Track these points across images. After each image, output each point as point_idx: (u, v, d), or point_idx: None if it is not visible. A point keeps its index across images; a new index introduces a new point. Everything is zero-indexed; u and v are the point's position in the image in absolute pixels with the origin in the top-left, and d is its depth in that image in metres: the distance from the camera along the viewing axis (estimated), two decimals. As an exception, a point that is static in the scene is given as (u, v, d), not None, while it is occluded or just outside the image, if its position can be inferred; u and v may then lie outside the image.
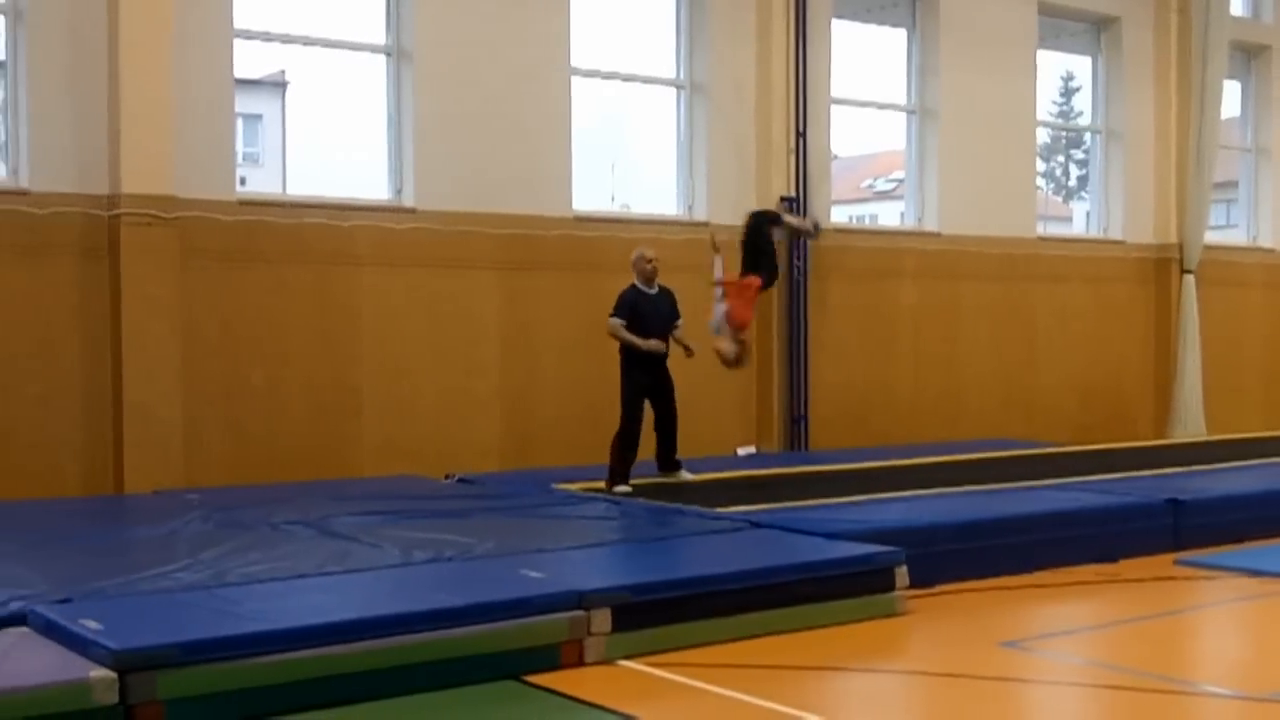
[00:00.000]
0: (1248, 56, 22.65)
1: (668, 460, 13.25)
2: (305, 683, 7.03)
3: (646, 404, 12.90)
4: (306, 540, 9.85)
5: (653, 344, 12.68)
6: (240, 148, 14.94)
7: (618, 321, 12.64)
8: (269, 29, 14.01)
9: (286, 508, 11.16)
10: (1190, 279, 20.69)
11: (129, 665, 6.52)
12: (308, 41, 14.36)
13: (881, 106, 19.07)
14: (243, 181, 14.49)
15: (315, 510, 11.05)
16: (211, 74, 13.36)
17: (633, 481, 12.63)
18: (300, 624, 7.22)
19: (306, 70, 15.93)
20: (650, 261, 12.90)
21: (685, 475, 13.23)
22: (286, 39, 14.27)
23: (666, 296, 12.97)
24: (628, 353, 12.74)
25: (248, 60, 14.18)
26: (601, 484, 12.61)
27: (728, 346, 12.76)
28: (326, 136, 15.88)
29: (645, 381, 12.78)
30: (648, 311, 12.73)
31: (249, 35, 13.80)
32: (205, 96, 13.30)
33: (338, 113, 15.69)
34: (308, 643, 7.09)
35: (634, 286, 12.84)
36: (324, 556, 9.17)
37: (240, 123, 14.62)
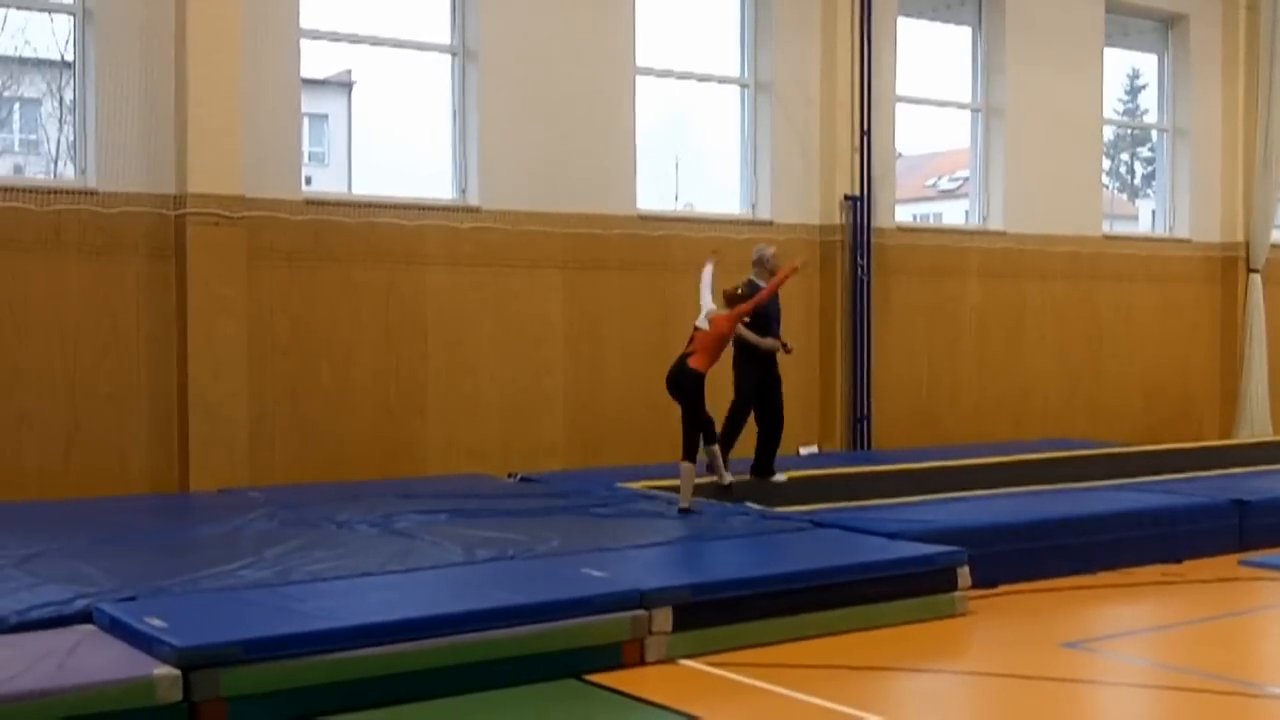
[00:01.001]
0: (1318, 54, 22.43)
1: (766, 464, 13.28)
2: (367, 681, 7.11)
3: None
4: (370, 538, 9.93)
5: (769, 342, 12.90)
6: (306, 147, 15.00)
7: (745, 320, 12.51)
8: (335, 29, 14.10)
9: (350, 506, 11.25)
10: (1257, 278, 20.52)
11: (193, 663, 6.61)
12: (374, 41, 14.45)
13: (946, 105, 19.01)
14: (308, 181, 14.58)
15: (379, 509, 11.13)
16: (278, 74, 13.46)
17: (701, 479, 12.58)
18: (363, 622, 7.30)
19: (372, 70, 16.00)
20: (777, 257, 13.03)
21: (779, 478, 13.27)
22: (353, 39, 14.36)
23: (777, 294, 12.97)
24: (744, 350, 12.86)
25: (314, 60, 14.27)
26: (664, 483, 12.60)
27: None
28: (392, 136, 15.95)
29: (760, 378, 12.97)
30: (769, 309, 12.84)
31: (316, 35, 13.90)
32: (272, 96, 13.40)
33: (403, 112, 15.76)
34: (370, 641, 7.16)
35: (753, 282, 12.84)
36: (387, 555, 9.24)
37: (306, 122, 14.70)
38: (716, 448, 12.36)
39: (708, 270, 12.21)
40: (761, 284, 12.80)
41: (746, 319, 12.33)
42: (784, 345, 13.11)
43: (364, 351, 13.87)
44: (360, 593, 8.04)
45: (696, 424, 11.58)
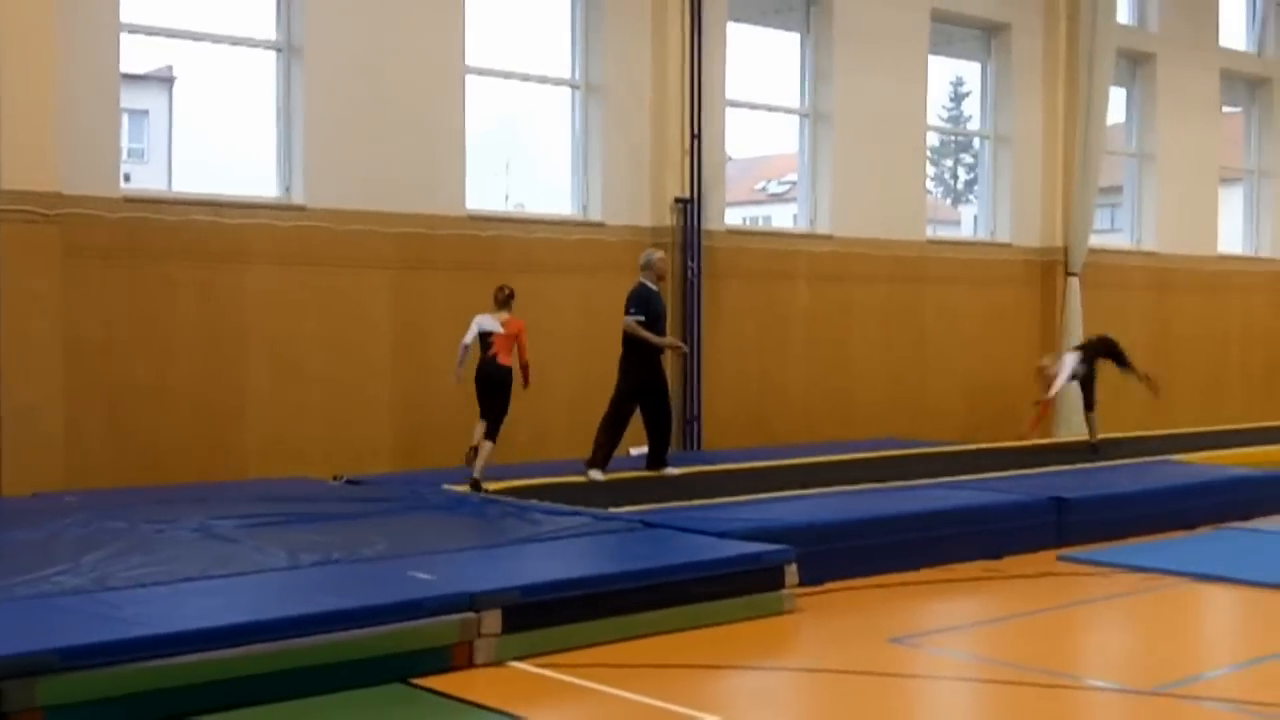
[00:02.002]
0: (1133, 64, 23.02)
1: (659, 458, 13.70)
2: (190, 688, 6.95)
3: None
4: (190, 543, 9.72)
5: (669, 340, 13.36)
6: (125, 144, 14.68)
7: (636, 318, 13.11)
8: (156, 23, 13.79)
9: (170, 510, 11.00)
10: (1075, 281, 20.97)
11: (6, 672, 6.41)
12: (196, 36, 14.15)
13: (775, 109, 19.17)
14: (127, 178, 14.27)
15: (200, 513, 10.89)
16: (97, 68, 13.13)
17: (526, 482, 12.69)
18: (184, 628, 7.12)
19: (194, 66, 15.73)
20: (665, 261, 13.57)
21: (672, 470, 13.70)
22: (174, 33, 14.06)
23: (661, 297, 13.50)
24: (635, 347, 13.18)
25: (134, 55, 13.97)
26: (493, 485, 12.56)
27: None
28: (214, 133, 15.69)
29: (648, 377, 13.29)
30: (659, 310, 13.29)
31: (136, 29, 13.59)
32: (90, 91, 13.07)
33: (226, 109, 15.51)
34: (192, 647, 7.00)
35: (644, 284, 13.30)
36: (208, 560, 9.05)
37: (126, 118, 14.40)
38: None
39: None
40: (651, 286, 13.30)
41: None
42: (679, 348, 13.81)
43: (184, 352, 13.59)
44: (181, 598, 7.88)
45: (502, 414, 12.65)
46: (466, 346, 12.64)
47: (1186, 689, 7.75)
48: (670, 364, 16.45)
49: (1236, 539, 12.80)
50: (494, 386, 12.54)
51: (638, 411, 13.68)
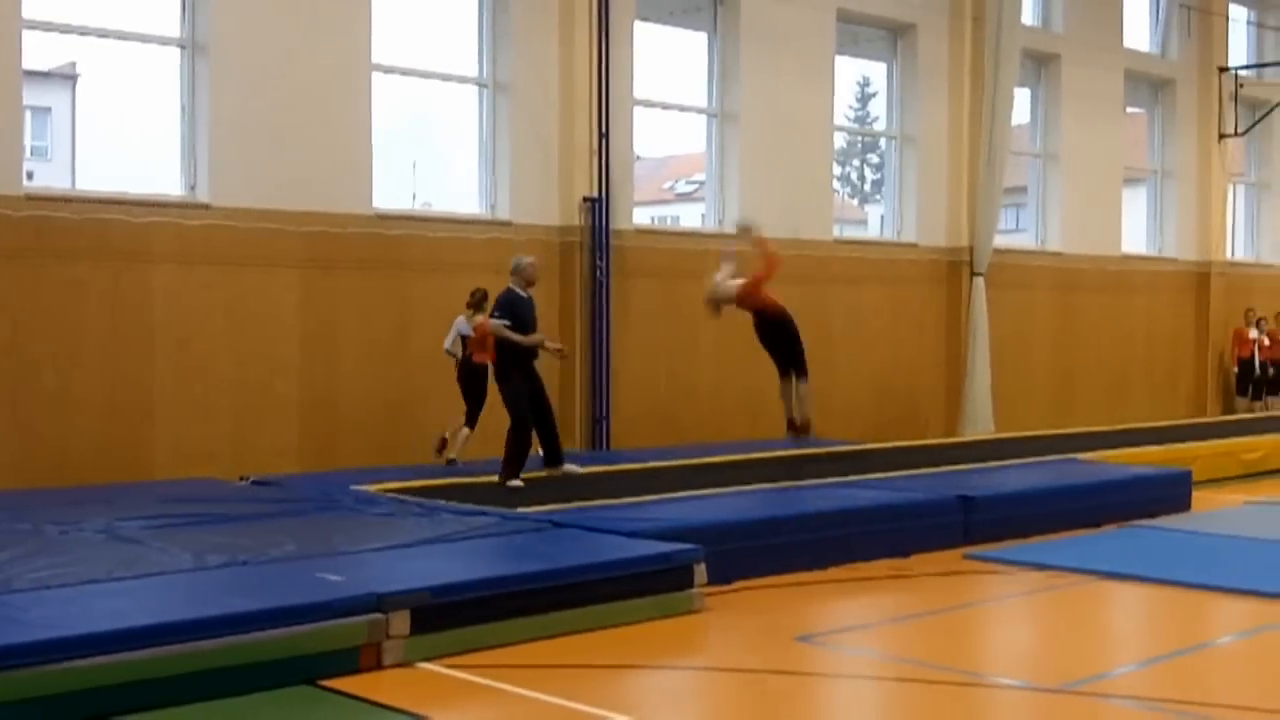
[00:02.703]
0: (1038, 64, 23.29)
1: (555, 456, 13.61)
2: (96, 691, 6.88)
3: None
4: (96, 545, 9.62)
5: (536, 337, 13.14)
6: (28, 141, 14.50)
7: (502, 322, 12.95)
8: (58, 19, 13.64)
9: (75, 512, 10.87)
10: (980, 281, 21.16)
11: (-94, 675, 6.32)
12: (99, 33, 13.99)
13: (683, 109, 19.22)
14: (30, 176, 14.09)
15: (106, 515, 10.77)
16: (-2, 65, 12.99)
17: (435, 482, 12.68)
18: (90, 631, 7.04)
19: (97, 62, 15.56)
20: (534, 267, 13.42)
21: (572, 468, 13.67)
22: (77, 30, 13.91)
23: (534, 302, 13.40)
24: (506, 356, 13.04)
25: (36, 51, 13.80)
26: (401, 485, 12.54)
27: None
28: (118, 130, 15.53)
29: (523, 381, 13.10)
30: (526, 315, 13.11)
31: (38, 26, 13.43)
32: (-9, 88, 12.93)
33: (129, 106, 15.35)
34: (98, 650, 6.93)
35: (512, 290, 13.18)
36: (114, 562, 8.95)
37: (28, 115, 14.21)
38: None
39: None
40: (520, 292, 13.18)
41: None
42: (559, 351, 13.77)
43: (89, 352, 13.44)
44: (86, 601, 7.79)
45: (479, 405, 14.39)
46: (448, 350, 14.45)
47: (1092, 686, 7.84)
48: (578, 363, 16.50)
49: (1141, 537, 12.96)
50: (472, 382, 14.27)
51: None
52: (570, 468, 13.67)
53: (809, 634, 9.09)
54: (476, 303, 14.08)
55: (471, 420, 14.44)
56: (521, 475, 12.90)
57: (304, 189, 14.72)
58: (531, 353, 13.23)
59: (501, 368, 13.17)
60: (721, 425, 18.05)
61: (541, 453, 13.67)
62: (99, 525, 10.32)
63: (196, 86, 14.28)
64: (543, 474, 13.50)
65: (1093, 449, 16.89)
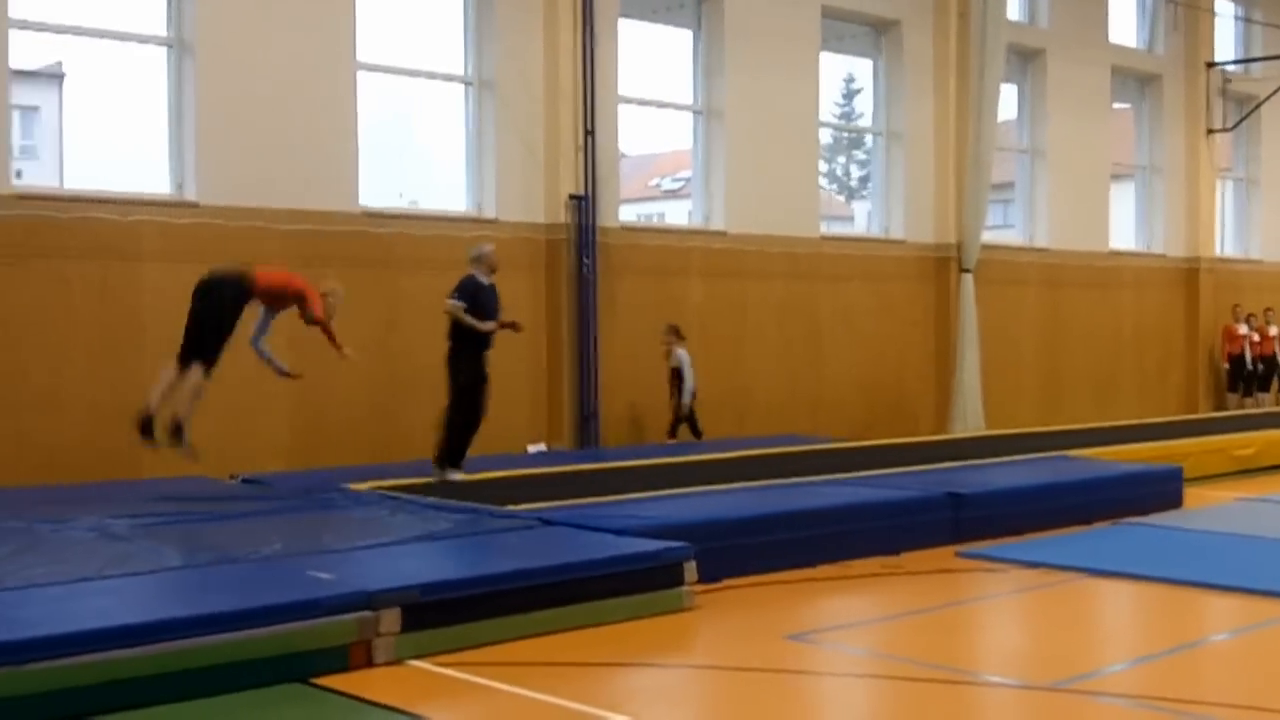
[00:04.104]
0: (1024, 60, 23.31)
1: (456, 457, 13.19)
2: (87, 689, 6.86)
3: None
4: (86, 543, 9.60)
5: (493, 325, 12.95)
6: (16, 140, 14.47)
7: (459, 304, 12.77)
8: (46, 19, 13.61)
9: (66, 510, 10.85)
10: (968, 278, 21.16)
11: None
12: (86, 32, 13.96)
13: (668, 106, 19.22)
14: (18, 175, 14.06)
15: (96, 513, 10.75)
16: (-16, 64, 12.96)
17: (425, 480, 12.65)
18: (81, 628, 7.03)
19: (85, 61, 15.53)
20: (494, 254, 13.30)
21: (457, 476, 13.09)
22: (64, 29, 13.88)
23: (496, 291, 13.17)
24: (464, 340, 12.86)
25: (24, 50, 13.77)
26: (391, 483, 12.51)
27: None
28: (106, 129, 15.50)
29: (473, 370, 12.92)
30: (486, 301, 12.97)
31: (25, 25, 13.41)
32: (-22, 87, 12.90)
33: (117, 105, 15.32)
34: (88, 648, 6.91)
35: (473, 277, 13.03)
36: (104, 560, 8.93)
37: (16, 115, 14.18)
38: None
39: None
40: (482, 279, 13.00)
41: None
42: (513, 325, 13.27)
43: (78, 351, 13.41)
44: (78, 599, 7.78)
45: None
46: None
47: (1084, 684, 7.83)
48: (566, 360, 16.49)
49: (1132, 534, 12.93)
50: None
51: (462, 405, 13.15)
52: (456, 475, 13.06)
53: (799, 632, 9.08)
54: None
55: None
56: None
57: (291, 187, 14.70)
58: (485, 343, 12.98)
59: (454, 353, 12.94)
60: (709, 423, 18.01)
61: (542, 448, 13.60)
62: (89, 523, 10.31)
63: (183, 85, 14.26)
64: (541, 471, 13.50)
65: (1083, 446, 16.88)
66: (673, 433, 17.29)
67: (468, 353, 12.91)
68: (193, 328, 11.77)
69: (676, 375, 17.26)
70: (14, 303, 13.06)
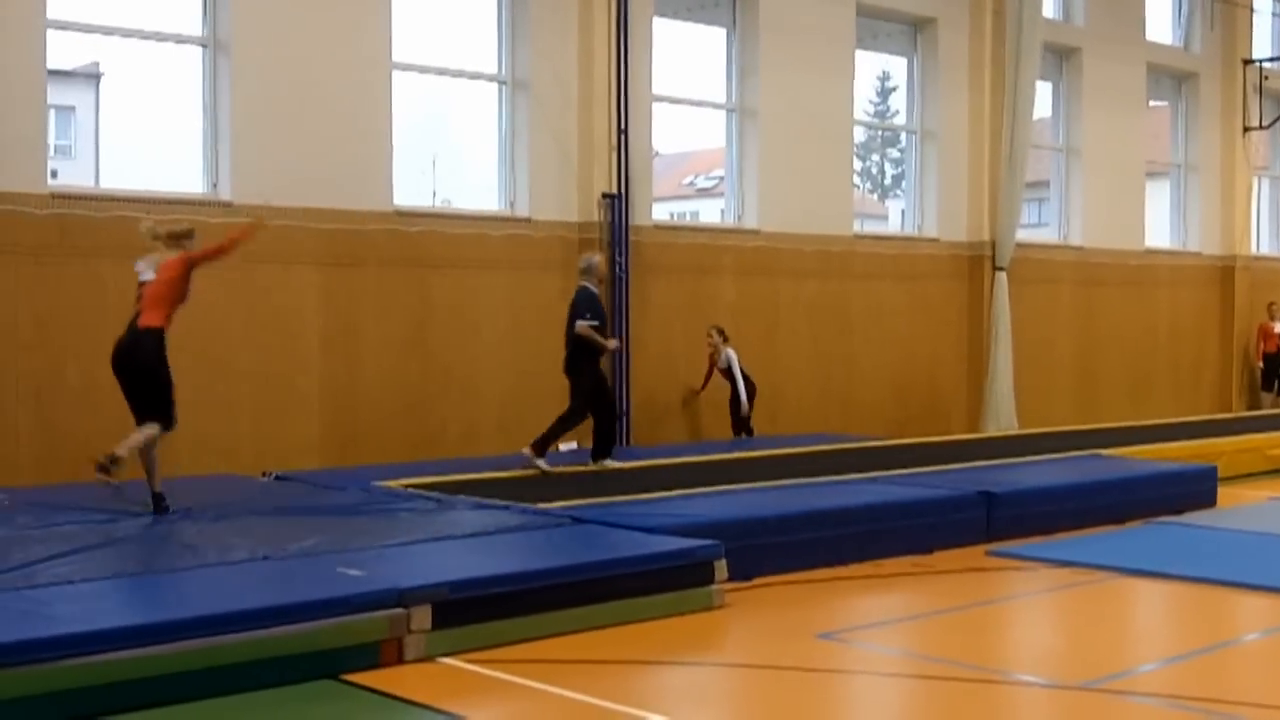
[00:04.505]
0: (1059, 58, 23.21)
1: (605, 451, 14.04)
2: (120, 685, 6.92)
3: None
4: (119, 541, 9.66)
5: (615, 344, 13.99)
6: (52, 140, 14.55)
7: (593, 323, 13.52)
8: (82, 19, 13.69)
9: (99, 507, 10.90)
10: (1002, 276, 21.09)
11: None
12: (122, 33, 14.03)
13: (702, 104, 19.22)
14: (54, 174, 14.14)
15: (129, 510, 10.81)
16: (23, 64, 13.00)
17: (456, 478, 12.74)
18: (114, 625, 7.10)
19: (121, 62, 15.62)
20: (604, 265, 14.29)
21: (612, 463, 13.97)
22: (100, 30, 13.95)
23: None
24: (582, 348, 13.61)
25: (61, 51, 13.85)
26: (423, 480, 12.55)
27: None
28: (141, 129, 15.57)
29: (592, 374, 13.73)
30: (602, 311, 13.87)
31: (62, 25, 13.48)
32: (16, 88, 12.94)
33: (153, 105, 15.39)
34: (122, 644, 6.97)
35: (587, 288, 13.72)
36: (137, 557, 9.00)
37: (52, 114, 14.26)
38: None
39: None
40: (594, 289, 13.74)
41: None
42: (612, 348, 14.09)
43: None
44: (110, 595, 7.85)
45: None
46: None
47: (1115, 684, 7.82)
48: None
49: (1165, 533, 12.90)
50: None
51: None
52: (611, 464, 13.93)
53: (830, 631, 9.09)
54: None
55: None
56: (548, 465, 13.49)
57: (325, 186, 14.75)
58: (601, 350, 13.79)
59: (573, 361, 13.62)
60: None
61: (574, 446, 13.83)
62: (123, 521, 10.38)
63: (218, 85, 14.31)
64: (574, 469, 13.63)
65: (1116, 445, 16.83)
66: (738, 432, 17.41)
67: (586, 358, 13.65)
68: (134, 400, 10.86)
69: (727, 375, 17.36)
70: (49, 302, 13.14)
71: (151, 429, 10.74)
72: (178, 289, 10.79)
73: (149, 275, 10.80)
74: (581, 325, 13.49)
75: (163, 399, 10.75)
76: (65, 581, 8.19)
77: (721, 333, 17.46)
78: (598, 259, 14.09)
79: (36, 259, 13.02)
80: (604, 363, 14.18)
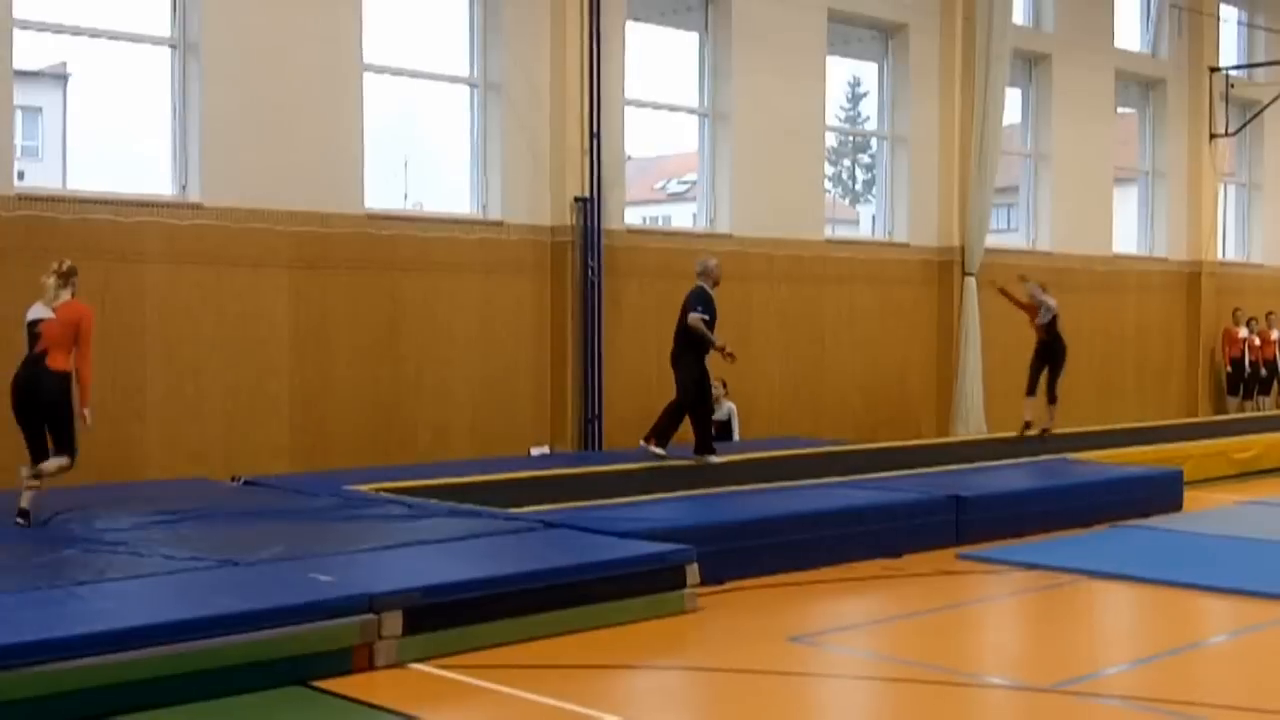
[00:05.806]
0: (1029, 64, 23.31)
1: (706, 446, 14.59)
2: (85, 692, 6.87)
3: None
4: (86, 546, 9.59)
5: (723, 343, 14.21)
6: (19, 141, 14.47)
7: (703, 316, 14.15)
8: (50, 19, 13.61)
9: (66, 512, 10.83)
10: (972, 281, 21.16)
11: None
12: (90, 33, 13.96)
13: (674, 109, 19.22)
14: (21, 176, 14.05)
15: (96, 515, 10.76)
16: (-11, 65, 12.96)
17: (426, 483, 12.69)
18: (81, 632, 7.04)
19: (88, 62, 15.56)
20: (720, 267, 14.67)
21: (714, 459, 14.45)
22: (68, 30, 13.88)
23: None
24: (689, 343, 14.26)
25: (27, 51, 13.76)
26: (391, 485, 12.53)
27: None
28: (109, 130, 15.51)
29: (695, 369, 14.34)
30: (714, 310, 14.38)
31: (29, 25, 13.41)
32: (-18, 88, 12.90)
33: (121, 106, 15.33)
34: (89, 651, 6.92)
35: (703, 288, 14.39)
36: (105, 562, 8.94)
37: (19, 115, 14.18)
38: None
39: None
40: (709, 290, 14.29)
41: None
42: (725, 351, 14.29)
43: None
44: (76, 602, 7.77)
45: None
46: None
47: (1084, 686, 7.85)
48: (570, 363, 16.50)
49: (1132, 537, 12.97)
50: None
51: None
52: (712, 459, 14.39)
53: (802, 634, 9.09)
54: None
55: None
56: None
57: (295, 188, 14.69)
58: (707, 348, 14.22)
59: (679, 354, 14.25)
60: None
61: (546, 450, 13.86)
62: (89, 525, 10.31)
63: (188, 86, 14.25)
64: (544, 473, 13.61)
65: (1084, 449, 16.89)
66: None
67: (693, 353, 14.25)
68: (34, 435, 10.58)
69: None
70: (14, 305, 12.95)
71: (63, 461, 10.52)
72: (73, 336, 10.54)
73: (47, 314, 10.57)
74: (693, 317, 14.01)
75: (68, 433, 10.53)
76: (32, 587, 8.13)
77: (723, 384, 17.61)
78: (714, 261, 14.61)
79: (2, 261, 12.90)
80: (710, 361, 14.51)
